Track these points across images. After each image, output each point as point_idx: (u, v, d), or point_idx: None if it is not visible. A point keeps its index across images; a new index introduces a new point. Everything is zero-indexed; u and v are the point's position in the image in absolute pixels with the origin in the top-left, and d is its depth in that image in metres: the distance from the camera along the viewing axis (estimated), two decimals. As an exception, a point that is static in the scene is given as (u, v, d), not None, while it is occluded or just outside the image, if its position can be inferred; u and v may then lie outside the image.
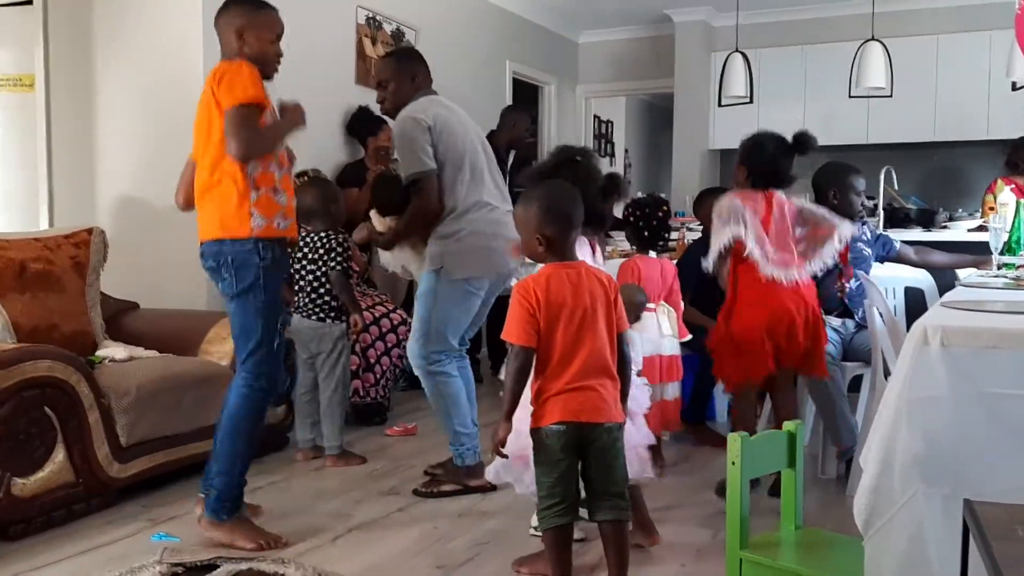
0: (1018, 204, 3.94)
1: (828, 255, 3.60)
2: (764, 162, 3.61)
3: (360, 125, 5.80)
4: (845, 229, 3.62)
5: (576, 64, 9.47)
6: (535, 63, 8.57)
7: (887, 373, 3.37)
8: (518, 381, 2.49)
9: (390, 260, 4.02)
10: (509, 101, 8.04)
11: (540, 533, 3.17)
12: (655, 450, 4.01)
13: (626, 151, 11.18)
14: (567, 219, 2.55)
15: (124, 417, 3.56)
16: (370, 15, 6.08)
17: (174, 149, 4.83)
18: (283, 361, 3.30)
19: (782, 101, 8.55)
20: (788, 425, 2.32)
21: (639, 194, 4.48)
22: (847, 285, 4.15)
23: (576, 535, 2.73)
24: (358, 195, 5.50)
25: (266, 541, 3.12)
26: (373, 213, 3.95)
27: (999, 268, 3.67)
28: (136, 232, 4.86)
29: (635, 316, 3.51)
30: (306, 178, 4.98)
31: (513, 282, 3.06)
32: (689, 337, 4.11)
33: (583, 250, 2.80)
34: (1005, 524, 1.37)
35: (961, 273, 4.27)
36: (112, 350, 3.95)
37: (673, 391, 4.01)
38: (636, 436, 2.85)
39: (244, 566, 2.89)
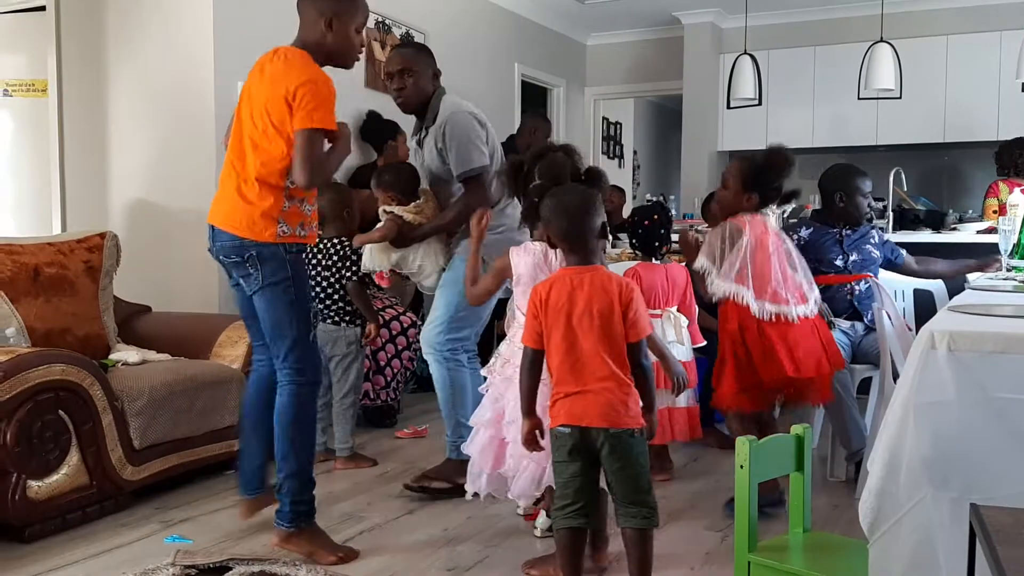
0: (1026, 206, 3.94)
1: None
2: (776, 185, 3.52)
3: (373, 130, 5.83)
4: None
5: (584, 66, 9.48)
6: (544, 65, 8.59)
7: (896, 376, 3.37)
8: (525, 380, 2.56)
9: (373, 260, 3.90)
10: (518, 104, 8.06)
11: (541, 535, 3.22)
12: (661, 456, 4.03)
13: (635, 153, 11.19)
14: (572, 223, 2.54)
15: (137, 420, 3.59)
16: (379, 19, 6.11)
17: (186, 153, 4.89)
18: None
19: (791, 103, 8.57)
20: (796, 428, 2.32)
21: (647, 198, 4.49)
22: (856, 288, 4.16)
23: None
24: (368, 195, 5.52)
25: (345, 554, 3.06)
26: (398, 208, 3.81)
27: (1008, 270, 3.67)
28: (148, 236, 4.90)
29: None
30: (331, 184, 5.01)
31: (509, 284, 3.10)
32: (703, 343, 4.08)
33: (530, 260, 2.85)
34: (1011, 528, 1.38)
35: (970, 275, 4.26)
36: (125, 353, 3.98)
37: (685, 398, 3.99)
38: None
39: (256, 568, 2.91)
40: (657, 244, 4.07)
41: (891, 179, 5.92)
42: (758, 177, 3.48)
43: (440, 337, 3.75)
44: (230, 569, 2.91)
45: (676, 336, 3.97)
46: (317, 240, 4.17)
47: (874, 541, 1.93)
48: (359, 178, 5.72)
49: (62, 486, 3.29)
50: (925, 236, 5.46)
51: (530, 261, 2.91)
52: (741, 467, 2.13)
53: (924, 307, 4.43)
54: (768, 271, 3.42)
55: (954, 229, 5.65)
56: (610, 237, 2.67)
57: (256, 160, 2.90)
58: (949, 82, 7.99)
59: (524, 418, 2.56)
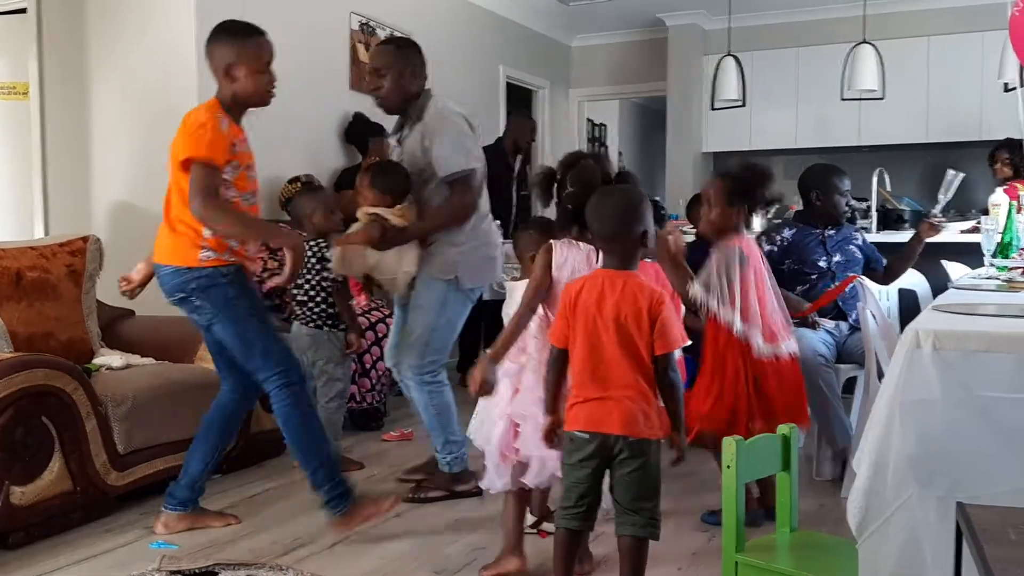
0: (1010, 206, 3.96)
1: None
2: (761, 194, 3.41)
3: (358, 132, 5.81)
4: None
5: (569, 68, 9.49)
6: (528, 67, 8.59)
7: (880, 375, 3.38)
8: (551, 377, 2.55)
9: (346, 265, 3.72)
10: (503, 105, 8.06)
11: (535, 531, 3.22)
12: None
13: (620, 154, 11.20)
14: (611, 223, 2.50)
15: (121, 425, 3.56)
16: (363, 21, 6.10)
17: (168, 156, 4.85)
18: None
19: (774, 104, 8.60)
20: (782, 428, 2.33)
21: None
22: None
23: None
24: (352, 195, 5.51)
25: (393, 500, 3.35)
26: (382, 209, 3.63)
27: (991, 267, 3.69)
28: (131, 239, 4.84)
29: None
30: (299, 184, 4.98)
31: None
32: (688, 343, 4.04)
33: (575, 256, 2.78)
34: (998, 527, 1.38)
35: (953, 274, 4.28)
36: (109, 358, 3.95)
37: None
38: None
39: (243, 573, 2.90)
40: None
41: (874, 179, 5.94)
42: (743, 189, 3.35)
43: (419, 360, 3.69)
44: (216, 574, 2.90)
45: None
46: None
47: (863, 540, 1.93)
48: (344, 180, 5.71)
49: (46, 492, 3.26)
50: (908, 236, 5.47)
51: (577, 257, 2.80)
52: (728, 467, 2.14)
53: (908, 306, 4.45)
54: (765, 301, 3.28)
55: (943, 229, 5.66)
56: (650, 245, 2.58)
57: (177, 199, 3.09)
58: (932, 83, 8.04)
59: (546, 414, 2.56)
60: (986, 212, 4.79)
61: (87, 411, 3.41)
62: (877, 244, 4.44)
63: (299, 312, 4.15)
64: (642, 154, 11.96)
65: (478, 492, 3.58)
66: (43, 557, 3.13)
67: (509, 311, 2.91)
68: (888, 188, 6.22)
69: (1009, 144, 5.99)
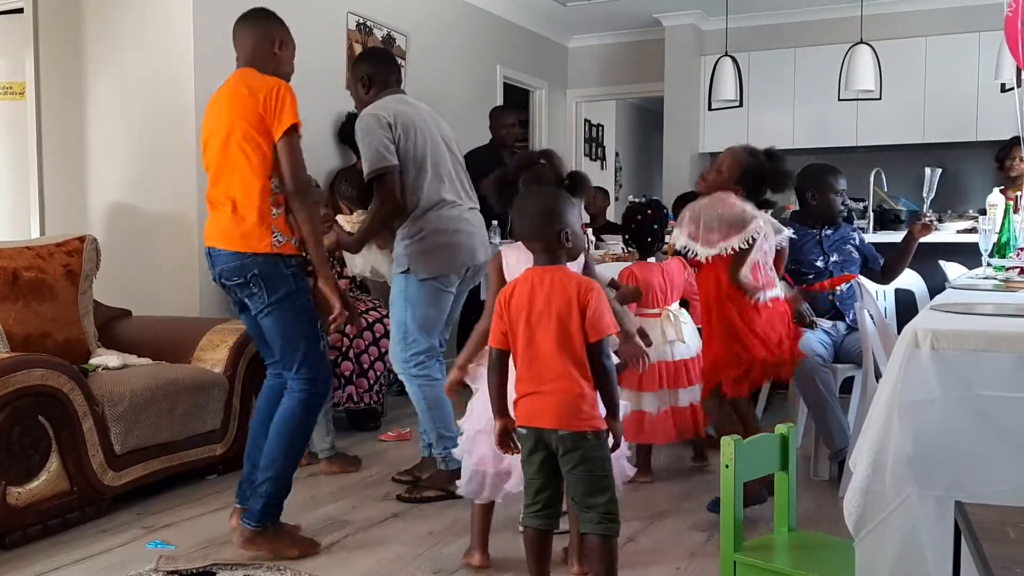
0: (1007, 206, 3.97)
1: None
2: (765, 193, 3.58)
3: (351, 131, 5.80)
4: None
5: (566, 68, 9.49)
6: (525, 67, 8.59)
7: (878, 375, 3.38)
8: (492, 380, 2.54)
9: (359, 264, 4.03)
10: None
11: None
12: (644, 460, 4.02)
13: (617, 155, 11.20)
14: (530, 224, 2.55)
15: (118, 425, 3.56)
16: (360, 21, 6.09)
17: (166, 155, 4.86)
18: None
19: (772, 104, 8.60)
20: (781, 428, 2.33)
21: (631, 199, 4.49)
22: (838, 288, 4.17)
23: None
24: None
25: (305, 548, 3.13)
26: (340, 217, 3.95)
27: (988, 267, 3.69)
28: (128, 239, 4.86)
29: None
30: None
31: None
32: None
33: (527, 257, 2.82)
34: (996, 525, 1.38)
35: (951, 274, 4.29)
36: (105, 358, 3.95)
37: (688, 396, 3.99)
38: None
39: (240, 573, 2.90)
40: (650, 240, 4.07)
41: (872, 180, 5.95)
42: (755, 177, 3.48)
43: (403, 354, 3.75)
44: (214, 574, 2.90)
45: (676, 334, 3.97)
46: None
47: (860, 539, 1.93)
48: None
49: (42, 492, 3.26)
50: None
51: (522, 257, 2.87)
52: (727, 466, 2.14)
53: (905, 307, 4.45)
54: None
55: (935, 229, 5.66)
56: (588, 239, 2.64)
57: (237, 178, 3.00)
58: (929, 83, 8.04)
59: (496, 418, 2.55)
60: (983, 212, 4.79)
61: (84, 411, 3.41)
62: (874, 244, 4.44)
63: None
64: (639, 154, 11.96)
65: None
66: (40, 557, 3.12)
67: None
68: (885, 188, 6.22)
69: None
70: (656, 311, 3.94)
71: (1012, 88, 6.27)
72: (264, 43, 3.18)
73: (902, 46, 7.85)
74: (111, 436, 3.53)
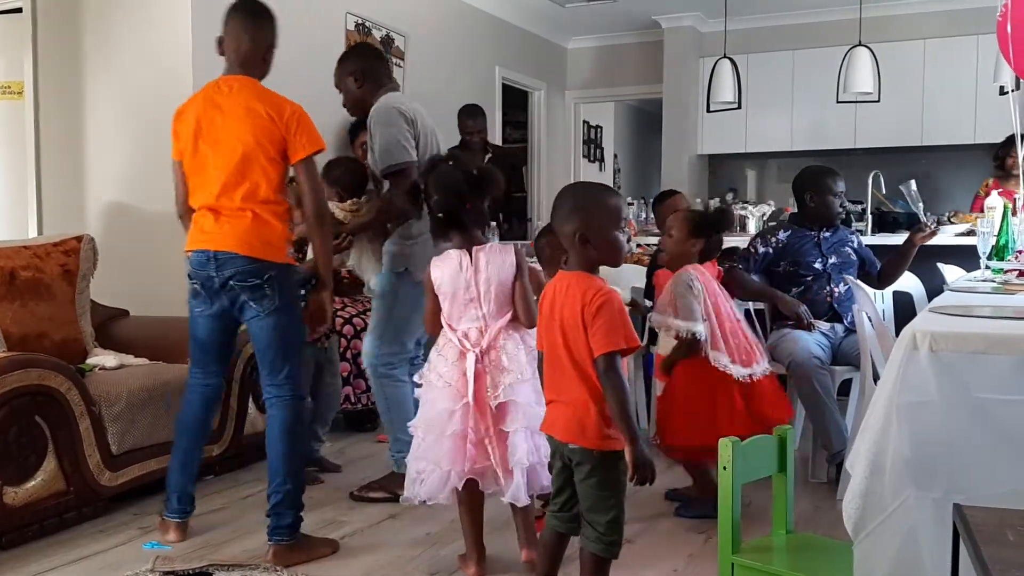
0: (1005, 208, 3.97)
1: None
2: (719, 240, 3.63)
3: (354, 130, 5.81)
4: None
5: (565, 70, 9.49)
6: (524, 69, 8.59)
7: (876, 377, 3.38)
8: (538, 379, 2.56)
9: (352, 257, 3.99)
10: (498, 107, 8.07)
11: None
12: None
13: (615, 156, 11.20)
14: (554, 219, 2.45)
15: (115, 425, 3.55)
16: (359, 21, 6.09)
17: (163, 156, 4.82)
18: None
19: (770, 107, 8.61)
20: (779, 429, 2.33)
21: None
22: (836, 290, 4.17)
23: None
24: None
25: (332, 545, 3.24)
26: (332, 204, 3.85)
27: (986, 270, 3.70)
28: (125, 239, 4.85)
29: None
30: (291, 184, 4.97)
31: None
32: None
33: (448, 267, 2.87)
34: (995, 528, 1.38)
35: (949, 276, 4.29)
36: (102, 358, 3.94)
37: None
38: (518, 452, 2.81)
39: (236, 574, 2.89)
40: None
41: (869, 182, 5.95)
42: (703, 226, 3.57)
43: (375, 351, 3.73)
44: (210, 575, 2.89)
45: None
46: None
47: (859, 542, 1.93)
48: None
49: (39, 492, 3.25)
50: (903, 238, 5.47)
51: (448, 269, 2.89)
52: (724, 468, 2.13)
53: (903, 309, 4.45)
54: (726, 326, 3.45)
55: (939, 233, 5.66)
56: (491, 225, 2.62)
57: (271, 180, 3.12)
58: (927, 85, 8.05)
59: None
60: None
61: (81, 411, 3.40)
62: (872, 247, 4.44)
63: None
64: (638, 156, 11.96)
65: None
66: (37, 557, 3.12)
67: None
68: (883, 191, 6.22)
69: None
70: None
71: (1010, 91, 6.28)
72: (259, 48, 3.27)
73: (900, 49, 7.86)
74: (108, 436, 3.52)
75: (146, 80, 4.89)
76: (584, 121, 9.98)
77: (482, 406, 2.81)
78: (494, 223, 5.42)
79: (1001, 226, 3.81)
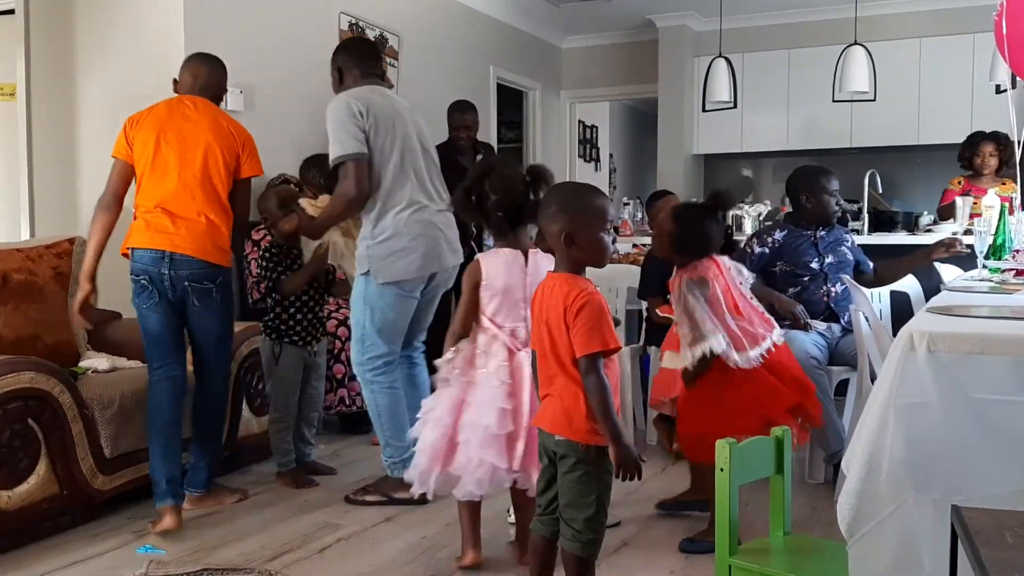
0: (1002, 208, 3.96)
1: None
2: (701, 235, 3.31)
3: None
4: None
5: (560, 69, 9.48)
6: (519, 68, 8.58)
7: (873, 377, 3.37)
8: (531, 377, 2.55)
9: (331, 256, 4.05)
10: (493, 107, 8.06)
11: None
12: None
13: (611, 156, 11.20)
14: (540, 217, 2.45)
15: (108, 428, 3.54)
16: (353, 21, 6.07)
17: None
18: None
19: (766, 106, 8.61)
20: (776, 430, 2.31)
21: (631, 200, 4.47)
22: (833, 289, 4.16)
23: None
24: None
25: (242, 494, 3.81)
26: (303, 200, 3.98)
27: (984, 269, 3.69)
28: (118, 241, 4.80)
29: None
30: (279, 183, 4.98)
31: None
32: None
33: (503, 261, 2.88)
34: (993, 529, 1.37)
35: (946, 276, 4.28)
36: (95, 361, 3.92)
37: None
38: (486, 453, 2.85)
39: (230, 578, 2.88)
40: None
41: (866, 181, 5.95)
42: (689, 219, 3.33)
43: (360, 357, 3.70)
44: (203, 579, 2.88)
45: None
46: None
47: (853, 542, 1.92)
48: (334, 181, 5.68)
49: (32, 496, 3.23)
50: (900, 238, 5.48)
51: (503, 267, 2.88)
52: (722, 470, 2.12)
53: (900, 309, 4.44)
54: (741, 312, 3.24)
55: (929, 231, 5.68)
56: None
57: (223, 193, 3.50)
58: (923, 84, 8.05)
59: None
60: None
61: (73, 414, 3.38)
62: (869, 246, 4.45)
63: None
64: (633, 156, 11.97)
65: (421, 501, 3.59)
66: (30, 562, 3.10)
67: None
68: (879, 190, 6.22)
69: (995, 137, 5.99)
70: None
71: (1007, 90, 6.28)
72: (216, 84, 3.71)
73: (896, 47, 7.86)
74: (101, 440, 3.51)
75: (139, 82, 4.87)
76: (579, 121, 9.98)
77: (530, 404, 2.82)
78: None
79: (998, 225, 3.81)
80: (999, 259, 3.71)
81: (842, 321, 4.15)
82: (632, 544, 3.26)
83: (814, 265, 4.17)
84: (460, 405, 2.91)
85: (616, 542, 3.24)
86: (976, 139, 6.03)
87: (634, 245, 6.26)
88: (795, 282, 4.19)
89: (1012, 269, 3.50)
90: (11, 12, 5.12)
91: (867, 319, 3.52)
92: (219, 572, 2.94)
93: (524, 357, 2.84)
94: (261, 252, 4.05)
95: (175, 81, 3.79)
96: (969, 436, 1.84)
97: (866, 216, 5.96)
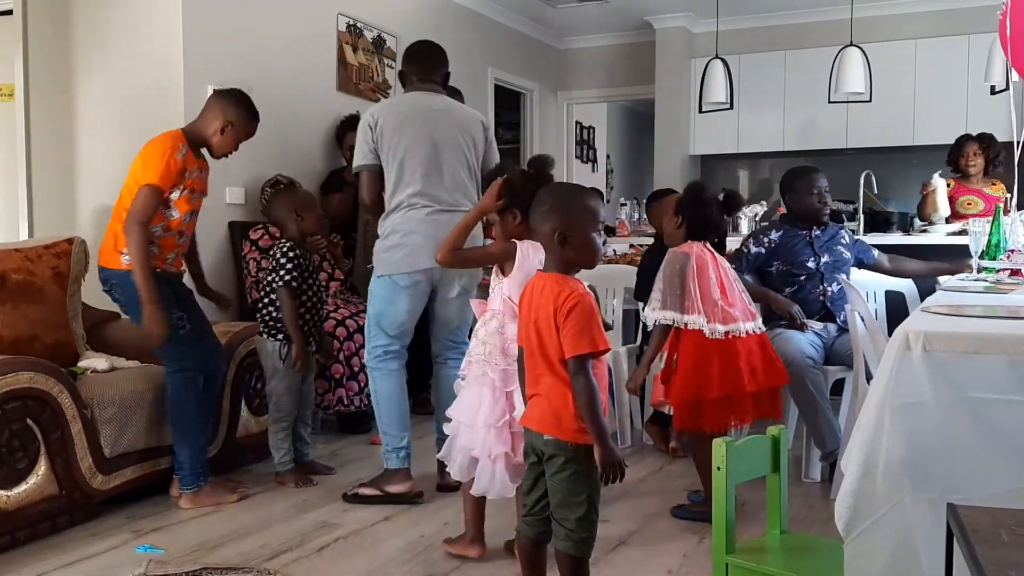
0: (997, 209, 3.98)
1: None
2: (705, 216, 3.57)
3: (343, 129, 5.83)
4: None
5: (558, 70, 9.49)
6: (517, 69, 8.59)
7: (869, 377, 3.39)
8: (518, 376, 2.55)
9: None
10: (491, 108, 8.06)
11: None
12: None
13: (608, 157, 11.20)
14: (533, 216, 2.46)
15: (107, 428, 3.55)
16: (351, 22, 6.08)
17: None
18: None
19: (762, 107, 8.62)
20: (772, 430, 2.33)
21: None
22: (829, 289, 4.18)
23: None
24: (340, 199, 5.50)
25: (242, 492, 3.84)
26: None
27: (978, 272, 3.70)
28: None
29: None
30: (280, 187, 4.98)
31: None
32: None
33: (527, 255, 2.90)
34: (989, 528, 1.38)
35: (940, 276, 4.30)
36: (94, 360, 3.92)
37: None
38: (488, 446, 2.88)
39: (230, 577, 2.88)
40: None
41: (861, 182, 5.96)
42: (687, 204, 3.59)
43: (368, 344, 3.88)
44: (203, 578, 2.88)
45: None
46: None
47: (849, 541, 1.93)
48: (331, 182, 5.70)
49: (31, 496, 3.24)
50: (896, 238, 5.50)
51: (539, 257, 2.80)
52: (719, 468, 2.13)
53: (896, 308, 4.46)
54: (710, 292, 3.45)
55: (924, 231, 5.70)
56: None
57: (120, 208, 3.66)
58: (918, 85, 8.07)
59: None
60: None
61: (72, 414, 3.39)
62: (865, 247, 4.46)
63: (258, 316, 4.11)
64: (630, 157, 11.97)
65: (415, 496, 3.71)
66: (28, 562, 3.10)
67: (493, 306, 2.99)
68: (875, 190, 6.24)
69: (980, 138, 6.01)
70: None
71: (1002, 91, 6.30)
72: (213, 120, 3.76)
73: (892, 49, 7.88)
74: (100, 439, 3.51)
75: (137, 82, 4.88)
76: (577, 122, 9.98)
77: None
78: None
79: (993, 225, 3.82)
80: (994, 259, 3.73)
81: (838, 320, 4.16)
82: (630, 543, 3.27)
83: (810, 264, 4.19)
84: (508, 396, 2.88)
85: (613, 541, 3.26)
86: (961, 141, 6.06)
87: (631, 246, 6.27)
88: (791, 282, 4.20)
89: (1006, 269, 3.52)
90: (9, 12, 5.13)
91: (863, 319, 3.54)
92: (218, 571, 2.94)
93: None
94: (283, 254, 4.00)
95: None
96: (965, 435, 1.85)
97: (861, 216, 5.98)
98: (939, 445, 1.85)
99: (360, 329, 4.83)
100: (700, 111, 7.71)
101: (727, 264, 3.61)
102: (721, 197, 3.57)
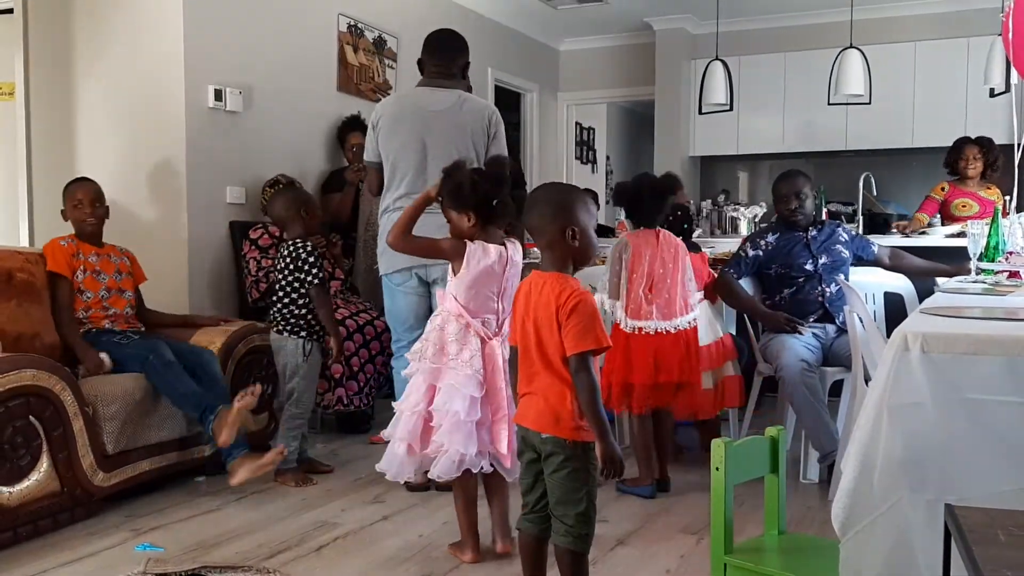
0: (995, 210, 3.99)
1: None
2: (635, 202, 3.89)
3: (344, 129, 5.84)
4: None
5: (557, 71, 9.50)
6: (517, 70, 8.59)
7: (867, 378, 3.40)
8: (510, 375, 2.59)
9: None
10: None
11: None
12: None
13: (607, 158, 11.21)
14: (534, 216, 2.47)
15: (109, 425, 3.56)
16: (352, 23, 6.09)
17: (156, 158, 4.85)
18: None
19: (762, 108, 8.63)
20: (770, 431, 2.33)
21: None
22: (827, 290, 4.19)
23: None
24: (340, 200, 5.51)
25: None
26: None
27: (977, 273, 3.71)
28: (117, 241, 4.82)
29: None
30: (280, 186, 4.98)
31: None
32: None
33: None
34: (986, 528, 1.39)
35: (939, 278, 4.30)
36: (95, 359, 3.93)
37: (733, 368, 4.26)
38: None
39: (229, 575, 2.89)
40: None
41: (861, 184, 5.97)
42: (625, 199, 3.94)
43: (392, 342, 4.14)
44: (203, 576, 2.89)
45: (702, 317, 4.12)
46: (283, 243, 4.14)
47: (845, 541, 1.94)
48: (331, 182, 5.70)
49: (33, 493, 3.25)
50: (894, 240, 5.51)
51: (487, 260, 2.96)
52: (717, 469, 2.14)
53: (894, 309, 4.47)
54: (634, 285, 3.74)
55: (923, 233, 5.70)
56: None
57: None
58: (918, 87, 8.08)
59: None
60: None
61: (74, 412, 3.40)
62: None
63: (271, 314, 4.11)
64: (630, 158, 11.97)
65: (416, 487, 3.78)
66: (29, 559, 3.11)
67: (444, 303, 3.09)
68: (874, 192, 6.25)
69: (979, 141, 6.02)
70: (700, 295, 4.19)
71: (1001, 93, 6.32)
72: None
73: (892, 51, 7.89)
74: (102, 437, 3.52)
75: (137, 81, 4.89)
76: (576, 123, 9.99)
77: (499, 392, 2.99)
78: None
79: (991, 227, 3.83)
80: (992, 261, 3.74)
81: (837, 321, 4.17)
82: (628, 543, 3.27)
83: (808, 266, 4.19)
84: (432, 391, 3.03)
85: (612, 541, 3.26)
86: (960, 144, 6.07)
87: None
88: (790, 283, 4.21)
89: (1005, 271, 3.53)
90: (10, 11, 5.13)
91: (861, 320, 3.55)
92: (217, 570, 2.95)
93: (496, 345, 2.98)
94: (308, 253, 3.99)
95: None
96: (963, 436, 1.86)
97: (860, 218, 5.99)
98: (937, 446, 1.86)
99: (360, 329, 4.85)
100: (700, 112, 7.72)
101: (684, 256, 3.87)
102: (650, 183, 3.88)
